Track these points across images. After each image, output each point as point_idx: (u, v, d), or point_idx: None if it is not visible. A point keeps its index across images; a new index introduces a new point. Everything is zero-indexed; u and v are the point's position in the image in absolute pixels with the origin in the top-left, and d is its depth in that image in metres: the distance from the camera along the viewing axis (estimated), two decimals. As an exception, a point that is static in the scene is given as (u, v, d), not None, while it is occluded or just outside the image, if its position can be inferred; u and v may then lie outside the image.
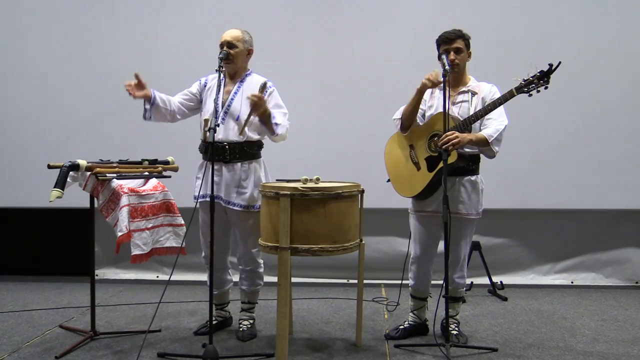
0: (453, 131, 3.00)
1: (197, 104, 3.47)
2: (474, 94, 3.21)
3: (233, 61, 3.32)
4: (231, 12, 4.61)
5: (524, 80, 3.02)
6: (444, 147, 2.97)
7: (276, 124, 3.27)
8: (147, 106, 3.31)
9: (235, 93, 3.35)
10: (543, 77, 2.99)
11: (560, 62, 2.97)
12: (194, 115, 3.51)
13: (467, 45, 3.21)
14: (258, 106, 3.16)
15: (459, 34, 3.18)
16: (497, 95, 3.18)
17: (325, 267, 4.70)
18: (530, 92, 3.03)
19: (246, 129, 3.27)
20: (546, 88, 3.02)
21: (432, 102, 3.28)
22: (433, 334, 3.32)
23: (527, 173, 4.53)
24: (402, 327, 3.42)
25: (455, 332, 3.30)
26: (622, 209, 4.58)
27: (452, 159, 3.05)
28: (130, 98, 3.24)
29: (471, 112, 3.15)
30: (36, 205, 4.63)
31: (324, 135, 4.56)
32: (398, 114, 3.30)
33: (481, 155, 3.23)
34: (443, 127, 3.02)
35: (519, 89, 3.02)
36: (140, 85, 3.25)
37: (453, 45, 3.16)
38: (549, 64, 2.98)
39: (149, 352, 3.16)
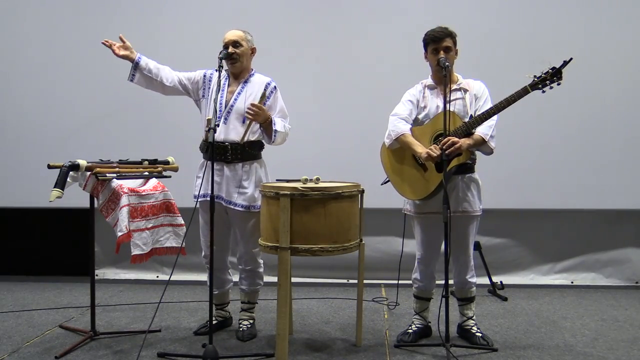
0: (450, 137, 2.99)
1: (194, 92, 3.44)
2: (465, 91, 3.20)
3: (239, 60, 3.32)
4: (232, 13, 4.61)
5: (537, 77, 3.00)
6: (446, 152, 2.96)
7: (275, 130, 3.28)
8: (132, 69, 3.34)
9: (239, 93, 3.34)
10: (556, 74, 2.98)
11: (572, 58, 2.96)
12: (186, 96, 3.49)
13: (455, 43, 3.18)
14: (258, 116, 3.18)
15: (447, 32, 3.14)
16: (486, 91, 3.21)
17: (325, 267, 4.70)
18: (544, 89, 3.01)
19: (247, 134, 3.27)
20: (559, 84, 3.00)
21: (425, 103, 3.24)
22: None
23: (527, 173, 4.52)
24: (410, 330, 3.36)
25: (479, 334, 3.28)
26: (622, 209, 4.58)
27: (464, 158, 3.09)
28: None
29: (468, 109, 3.15)
30: (36, 205, 4.63)
31: (324, 135, 4.56)
32: (394, 129, 3.18)
33: (477, 153, 3.24)
34: (444, 127, 3.01)
35: (533, 86, 2.99)
36: (124, 47, 3.29)
37: (442, 44, 3.12)
38: (564, 61, 2.97)
39: (149, 352, 3.16)
